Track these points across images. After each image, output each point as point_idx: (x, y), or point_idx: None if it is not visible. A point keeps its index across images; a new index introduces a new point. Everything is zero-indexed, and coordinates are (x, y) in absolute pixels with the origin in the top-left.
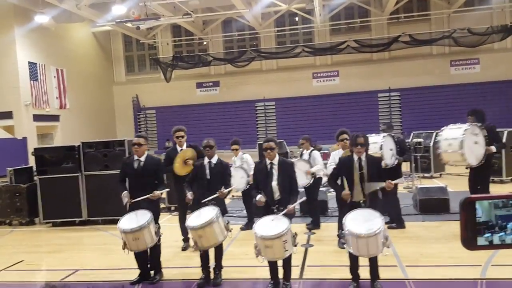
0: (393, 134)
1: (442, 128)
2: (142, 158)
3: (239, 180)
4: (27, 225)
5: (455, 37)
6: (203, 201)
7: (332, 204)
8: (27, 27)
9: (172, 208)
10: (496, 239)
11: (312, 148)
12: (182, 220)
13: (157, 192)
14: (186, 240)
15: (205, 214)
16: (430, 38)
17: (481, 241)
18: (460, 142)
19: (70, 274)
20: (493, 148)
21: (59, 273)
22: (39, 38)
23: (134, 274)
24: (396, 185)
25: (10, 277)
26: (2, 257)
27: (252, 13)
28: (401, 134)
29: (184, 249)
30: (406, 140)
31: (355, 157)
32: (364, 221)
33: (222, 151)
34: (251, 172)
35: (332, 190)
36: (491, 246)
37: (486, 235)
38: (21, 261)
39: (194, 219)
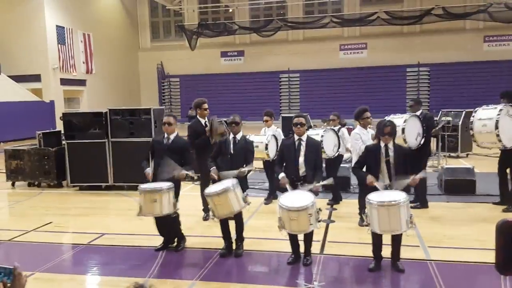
0: (418, 113)
1: (476, 109)
2: (172, 137)
3: (272, 148)
4: (55, 187)
5: (490, 11)
6: (221, 172)
7: (354, 180)
8: None
9: (195, 178)
10: None
11: (340, 126)
12: (203, 191)
13: (185, 172)
14: (206, 210)
15: (224, 183)
16: (465, 12)
17: None
18: (495, 122)
19: (97, 238)
20: None
21: (86, 236)
22: (66, 2)
23: (159, 240)
24: (425, 161)
25: (40, 237)
26: (32, 218)
27: None
28: (428, 111)
29: (205, 219)
30: (435, 119)
31: (382, 144)
32: (387, 195)
33: (244, 122)
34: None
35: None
36: None
37: None
38: (50, 222)
39: (213, 187)
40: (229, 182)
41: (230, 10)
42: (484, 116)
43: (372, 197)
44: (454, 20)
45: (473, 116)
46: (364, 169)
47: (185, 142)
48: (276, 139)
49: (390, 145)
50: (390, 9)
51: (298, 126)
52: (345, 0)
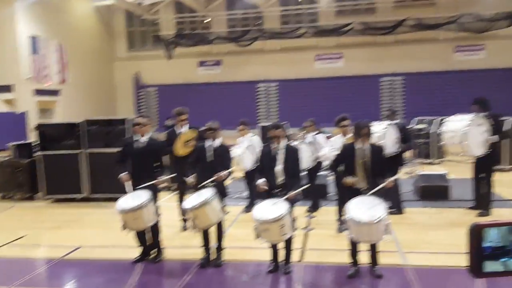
0: (396, 122)
1: (446, 119)
2: (145, 138)
3: (247, 159)
4: (28, 200)
5: (461, 22)
6: (201, 185)
7: (332, 188)
8: (28, 0)
9: (173, 188)
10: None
11: (316, 132)
12: (181, 201)
13: (162, 178)
14: (185, 220)
15: (202, 195)
16: (436, 23)
17: (490, 267)
18: (463, 134)
19: (72, 251)
20: (495, 138)
21: (61, 250)
22: (40, 12)
23: (136, 252)
24: (398, 169)
25: (13, 252)
26: (5, 232)
27: None
28: (403, 120)
29: (184, 229)
30: (407, 127)
31: (358, 146)
32: (367, 208)
33: (222, 131)
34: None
35: (331, 174)
36: (502, 273)
37: (503, 259)
38: (23, 236)
39: (191, 200)
40: (207, 194)
41: (207, 20)
42: (453, 128)
43: (353, 211)
44: (426, 31)
45: (443, 127)
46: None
47: (159, 143)
48: (252, 148)
49: (366, 146)
50: (364, 20)
51: (275, 137)
52: (320, 11)
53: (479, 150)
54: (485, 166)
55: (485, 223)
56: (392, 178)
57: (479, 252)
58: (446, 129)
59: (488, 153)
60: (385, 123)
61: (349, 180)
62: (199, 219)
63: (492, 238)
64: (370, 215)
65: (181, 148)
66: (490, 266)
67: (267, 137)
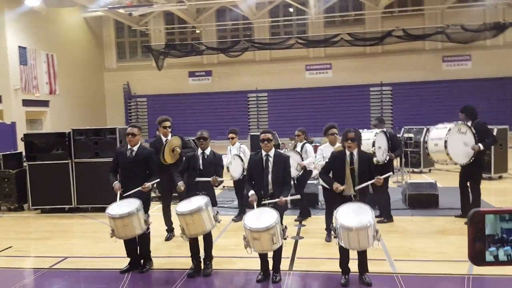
0: (385, 130)
1: (431, 128)
2: (135, 148)
3: (236, 168)
4: (16, 211)
5: (448, 32)
6: (196, 179)
7: (322, 197)
8: (17, 10)
9: (157, 196)
10: (501, 254)
11: (305, 141)
12: (166, 211)
13: (147, 184)
14: (170, 230)
15: (195, 201)
16: (423, 34)
17: (488, 256)
18: (445, 142)
19: (60, 261)
20: (478, 147)
21: (48, 260)
22: (29, 22)
23: (124, 262)
24: (387, 179)
25: (0, 262)
26: None
27: (246, 2)
28: (391, 129)
29: (167, 239)
30: (397, 135)
31: (347, 152)
32: (355, 215)
33: (213, 141)
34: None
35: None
36: (499, 262)
37: (491, 249)
38: (10, 247)
39: (183, 205)
40: (201, 201)
41: (198, 31)
42: (436, 135)
43: (342, 218)
44: (414, 41)
45: (427, 136)
46: (331, 175)
47: (149, 152)
48: (240, 157)
49: (355, 153)
50: (352, 31)
51: (265, 142)
52: (309, 22)
53: (463, 158)
54: (470, 175)
55: (486, 209)
56: (383, 176)
57: (482, 240)
58: (429, 137)
59: (473, 161)
60: (374, 131)
61: (339, 187)
62: (193, 225)
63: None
64: (359, 221)
65: (168, 156)
66: (488, 255)
67: (257, 144)
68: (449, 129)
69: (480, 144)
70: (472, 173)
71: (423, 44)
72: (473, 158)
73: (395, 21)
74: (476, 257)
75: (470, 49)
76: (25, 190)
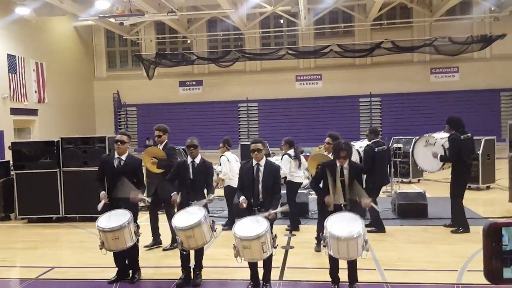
0: (377, 141)
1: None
2: (123, 157)
3: (226, 176)
4: (2, 220)
5: (436, 45)
6: (190, 202)
7: (313, 206)
8: (7, 19)
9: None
10: None
11: (284, 152)
12: (153, 220)
13: (139, 197)
14: (157, 244)
15: (193, 214)
16: (412, 46)
17: (507, 273)
18: (411, 152)
19: (46, 272)
20: (436, 154)
21: (35, 270)
22: (19, 31)
23: (112, 272)
24: (376, 190)
25: None
26: None
27: (237, 13)
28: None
29: (148, 247)
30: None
31: (338, 164)
32: (345, 224)
33: (204, 151)
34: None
35: (313, 192)
36: None
37: None
38: None
39: (181, 219)
40: (200, 214)
41: (188, 41)
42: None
43: (332, 227)
44: (402, 53)
45: (413, 146)
46: (321, 185)
47: (138, 160)
48: (231, 165)
49: (346, 165)
50: (342, 42)
51: (256, 152)
52: (299, 34)
53: (432, 166)
54: (457, 183)
55: (504, 222)
56: (369, 201)
57: (499, 255)
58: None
59: (453, 176)
60: (365, 142)
61: (327, 199)
62: (194, 238)
63: (505, 241)
64: (349, 231)
65: (148, 164)
66: (507, 272)
67: (248, 154)
68: (415, 141)
69: (439, 154)
70: (458, 182)
71: (411, 56)
72: (442, 168)
73: (384, 33)
74: (493, 275)
75: (457, 61)
76: (12, 199)
